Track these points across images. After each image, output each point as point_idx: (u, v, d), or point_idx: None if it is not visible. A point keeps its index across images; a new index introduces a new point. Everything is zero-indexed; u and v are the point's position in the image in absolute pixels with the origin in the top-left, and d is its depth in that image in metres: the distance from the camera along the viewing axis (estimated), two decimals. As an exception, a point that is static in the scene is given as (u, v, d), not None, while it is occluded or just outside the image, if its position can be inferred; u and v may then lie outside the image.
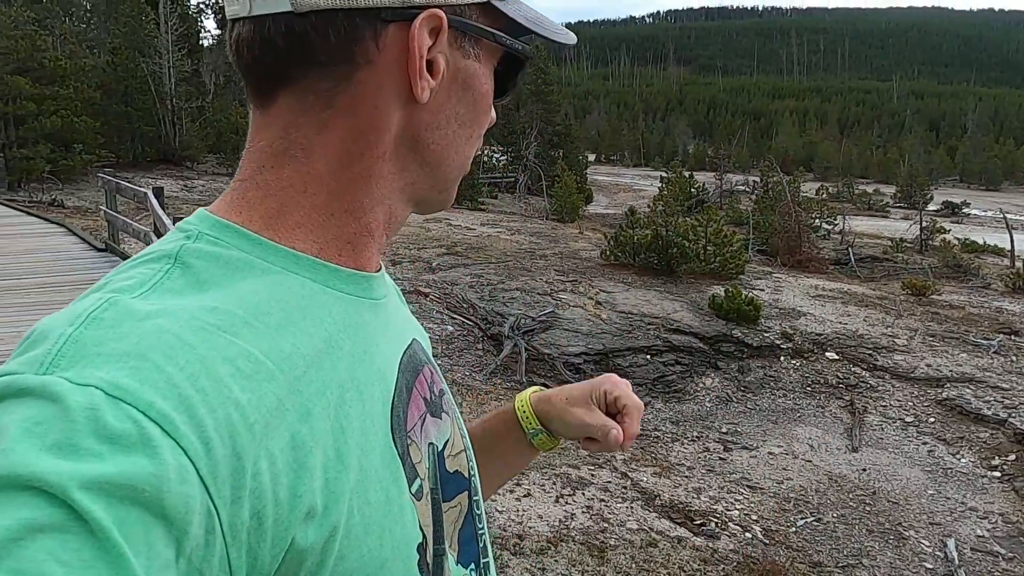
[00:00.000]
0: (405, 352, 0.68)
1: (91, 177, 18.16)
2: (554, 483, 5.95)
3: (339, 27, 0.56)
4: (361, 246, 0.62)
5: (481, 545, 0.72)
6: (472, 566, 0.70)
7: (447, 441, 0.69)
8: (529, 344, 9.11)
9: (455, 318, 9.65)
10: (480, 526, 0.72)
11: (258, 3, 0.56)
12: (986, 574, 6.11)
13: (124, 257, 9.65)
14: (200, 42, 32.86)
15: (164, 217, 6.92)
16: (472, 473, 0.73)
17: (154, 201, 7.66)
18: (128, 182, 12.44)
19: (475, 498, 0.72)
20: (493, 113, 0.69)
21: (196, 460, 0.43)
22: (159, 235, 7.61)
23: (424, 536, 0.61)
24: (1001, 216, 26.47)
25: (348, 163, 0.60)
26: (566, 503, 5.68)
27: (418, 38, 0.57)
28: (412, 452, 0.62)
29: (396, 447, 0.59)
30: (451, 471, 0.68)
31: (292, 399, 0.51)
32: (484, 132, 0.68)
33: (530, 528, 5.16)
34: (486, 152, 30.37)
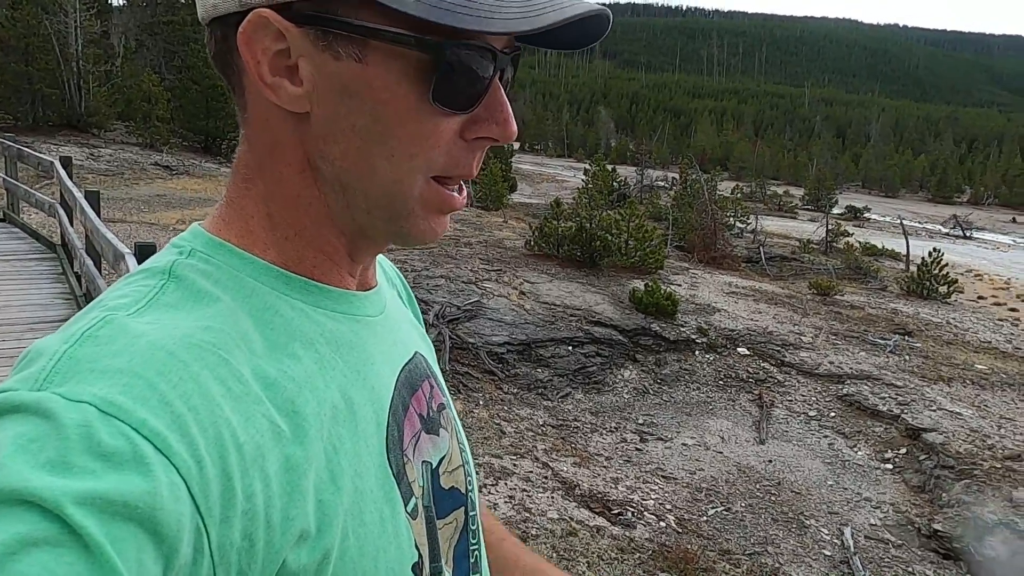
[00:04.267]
0: (404, 368, 0.67)
1: (-15, 140, 16.93)
2: (476, 473, 5.98)
3: (217, 36, 0.56)
4: (326, 269, 0.61)
5: (473, 560, 0.72)
6: None
7: (443, 457, 0.69)
8: (454, 333, 9.10)
9: (378, 304, 9.53)
10: (474, 541, 0.73)
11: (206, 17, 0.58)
12: (878, 560, 6.52)
13: (24, 228, 9.06)
14: (109, 1, 31.09)
15: (73, 188, 6.53)
16: (470, 488, 0.73)
17: (62, 171, 7.21)
18: (27, 147, 11.67)
19: (471, 513, 0.73)
20: (495, 128, 0.57)
21: (188, 478, 0.43)
22: (66, 207, 7.17)
23: (420, 555, 0.61)
24: (898, 222, 28.15)
25: (274, 182, 0.58)
26: (488, 493, 5.72)
27: (248, 42, 0.53)
28: (408, 471, 0.62)
29: (391, 466, 0.60)
30: (446, 488, 0.68)
31: (286, 421, 0.51)
32: (433, 147, 0.56)
33: (453, 518, 5.17)
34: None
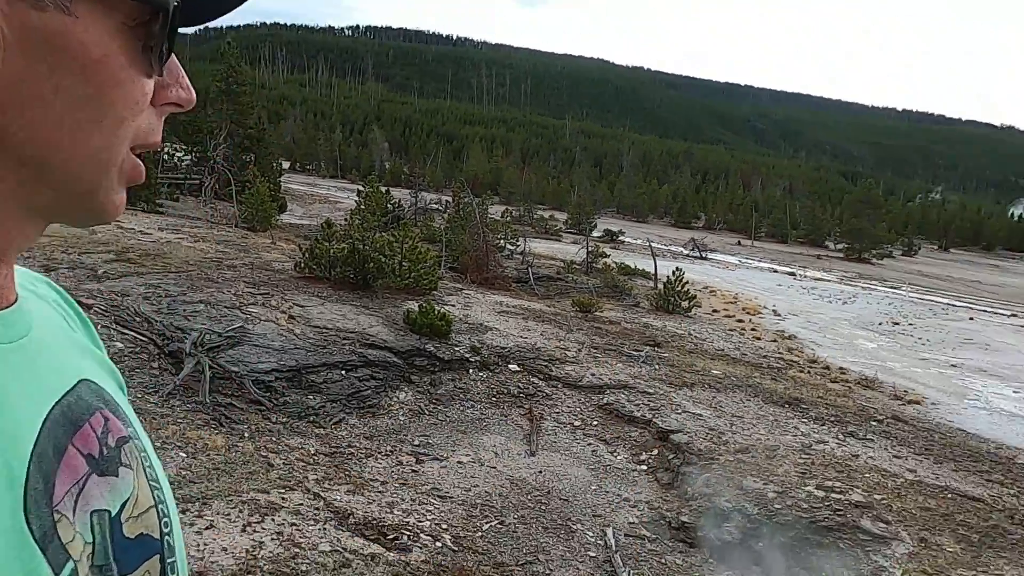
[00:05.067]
0: (60, 402, 0.55)
1: None
2: (240, 511, 5.57)
3: None
4: None
5: None
6: None
7: (126, 501, 0.58)
8: (214, 362, 8.44)
9: (125, 333, 8.58)
10: None
11: None
12: (636, 556, 7.04)
13: None
14: None
15: None
16: (167, 531, 0.62)
17: None
18: None
19: (169, 560, 0.62)
20: (182, 93, 0.55)
21: None
22: None
23: None
24: (647, 244, 31.09)
25: None
26: (254, 531, 5.34)
27: None
28: (61, 530, 0.50)
29: (31, 529, 0.48)
30: (132, 536, 0.57)
31: None
32: (139, 112, 0.52)
33: (212, 563, 4.76)
34: (167, 149, 27.58)
